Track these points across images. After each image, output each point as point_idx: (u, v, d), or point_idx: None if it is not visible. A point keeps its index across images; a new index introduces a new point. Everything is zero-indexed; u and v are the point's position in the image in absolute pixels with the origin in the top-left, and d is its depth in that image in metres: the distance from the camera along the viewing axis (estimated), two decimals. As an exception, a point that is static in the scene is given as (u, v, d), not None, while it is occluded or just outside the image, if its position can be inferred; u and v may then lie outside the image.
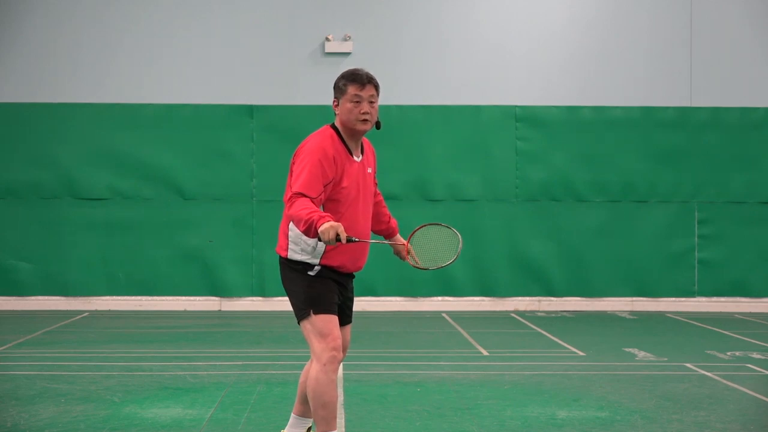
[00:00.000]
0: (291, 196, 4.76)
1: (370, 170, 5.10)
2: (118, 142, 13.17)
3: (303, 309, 4.91)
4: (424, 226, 5.12)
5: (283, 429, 5.44)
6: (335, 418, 4.85)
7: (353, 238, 4.68)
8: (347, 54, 13.42)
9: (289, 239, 4.95)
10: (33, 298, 13.09)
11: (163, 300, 13.16)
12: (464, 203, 13.33)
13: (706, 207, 13.44)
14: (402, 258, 5.43)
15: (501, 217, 13.35)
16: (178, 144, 13.20)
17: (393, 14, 13.57)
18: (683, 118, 13.49)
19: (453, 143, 13.23)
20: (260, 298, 13.21)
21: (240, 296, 13.21)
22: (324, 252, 4.88)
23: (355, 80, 4.93)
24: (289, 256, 4.95)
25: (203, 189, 13.22)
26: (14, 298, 13.07)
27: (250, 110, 13.29)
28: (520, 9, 13.61)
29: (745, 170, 13.46)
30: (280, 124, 13.28)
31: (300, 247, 4.91)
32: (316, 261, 4.90)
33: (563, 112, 13.45)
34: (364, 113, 4.91)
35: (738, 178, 13.45)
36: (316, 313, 4.86)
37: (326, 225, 4.54)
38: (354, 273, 5.10)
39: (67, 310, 12.87)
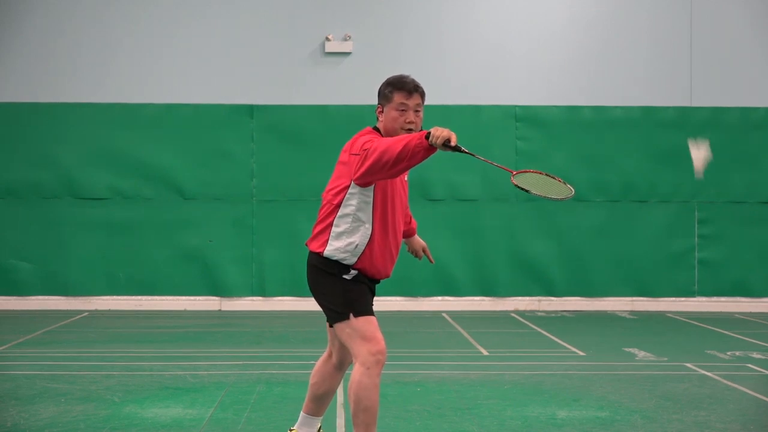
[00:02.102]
0: (365, 149, 4.65)
1: (406, 178, 5.06)
2: (118, 142, 13.17)
3: (341, 312, 4.81)
4: (540, 173, 4.89)
5: (293, 427, 5.40)
6: (375, 422, 4.77)
7: (463, 147, 4.55)
8: (347, 54, 13.42)
9: (332, 235, 4.83)
10: (33, 298, 13.09)
11: (163, 300, 13.16)
12: (464, 203, 13.33)
13: (706, 207, 13.44)
14: (417, 256, 5.45)
15: (501, 217, 13.35)
16: (178, 144, 13.20)
17: (393, 14, 13.58)
18: (683, 118, 13.49)
19: (453, 143, 13.21)
20: (260, 298, 13.21)
21: (240, 296, 13.21)
22: (362, 253, 4.81)
23: (403, 88, 4.88)
24: (326, 253, 4.83)
25: (203, 189, 13.22)
26: (14, 298, 13.07)
27: (250, 110, 13.29)
28: (520, 9, 13.61)
29: (745, 170, 13.46)
30: (280, 124, 13.28)
31: (343, 244, 4.80)
32: (353, 261, 4.81)
33: (563, 112, 13.45)
34: (409, 122, 4.88)
35: (738, 178, 13.45)
36: (357, 315, 4.78)
37: (437, 128, 4.45)
38: (380, 280, 5.03)
39: (67, 310, 12.87)
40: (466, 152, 4.63)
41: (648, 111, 13.48)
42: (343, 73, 13.38)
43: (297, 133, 13.26)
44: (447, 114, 13.30)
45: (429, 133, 4.48)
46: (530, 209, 13.35)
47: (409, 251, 5.52)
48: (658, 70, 13.61)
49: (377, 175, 4.65)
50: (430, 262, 5.49)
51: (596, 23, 13.64)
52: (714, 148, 13.44)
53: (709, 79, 13.60)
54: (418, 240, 5.49)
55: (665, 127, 13.47)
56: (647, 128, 13.45)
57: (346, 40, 13.40)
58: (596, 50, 13.62)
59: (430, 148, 4.49)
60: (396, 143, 4.52)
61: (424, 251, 5.47)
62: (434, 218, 13.21)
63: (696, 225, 13.44)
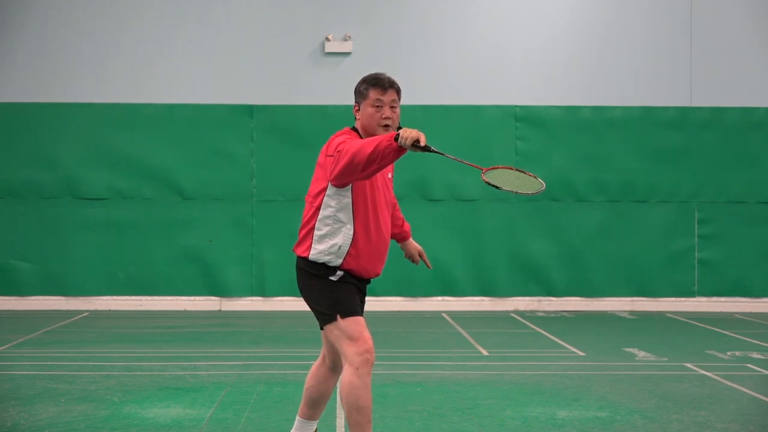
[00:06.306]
0: (338, 150, 4.66)
1: (390, 175, 5.05)
2: (118, 142, 13.17)
3: (328, 314, 4.82)
4: (510, 168, 4.90)
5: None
6: (370, 422, 4.76)
7: (432, 147, 4.52)
8: (347, 54, 13.43)
9: (314, 238, 4.84)
10: (33, 298, 13.09)
11: (163, 300, 13.16)
12: (464, 203, 13.33)
13: (706, 207, 13.44)
14: (414, 261, 5.42)
15: (501, 217, 13.35)
16: (178, 144, 13.20)
17: (393, 14, 13.58)
18: (683, 118, 13.49)
19: (453, 143, 13.21)
20: (260, 298, 13.21)
21: (240, 296, 13.21)
22: (347, 253, 4.81)
23: (377, 84, 4.89)
24: (311, 256, 4.84)
25: (203, 189, 13.22)
26: (14, 298, 13.07)
27: (250, 110, 13.30)
28: (520, 9, 13.61)
29: (745, 170, 13.46)
30: (280, 124, 13.28)
31: (326, 247, 4.80)
32: (339, 262, 4.81)
33: (563, 112, 13.45)
34: (385, 118, 4.87)
35: (738, 178, 13.45)
36: (344, 316, 4.78)
37: (406, 129, 4.44)
38: (371, 280, 5.03)
39: (67, 310, 12.88)
40: (435, 152, 4.63)
41: (648, 111, 13.48)
42: (343, 73, 13.38)
43: (297, 133, 13.26)
44: (447, 114, 13.31)
45: (398, 134, 4.47)
46: (530, 209, 13.35)
47: (406, 257, 5.44)
48: (658, 70, 13.61)
49: (351, 176, 4.65)
50: (428, 267, 5.44)
51: (596, 23, 13.64)
52: (714, 148, 13.51)
53: (709, 79, 13.60)
54: (414, 244, 5.42)
55: (665, 127, 13.47)
56: (647, 128, 13.45)
57: (346, 40, 13.40)
58: (596, 50, 13.62)
59: (400, 149, 4.48)
60: (367, 145, 4.52)
61: (420, 256, 5.40)
62: (434, 218, 13.21)
63: (696, 225, 13.44)
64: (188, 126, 13.23)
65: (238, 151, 13.25)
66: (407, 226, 5.42)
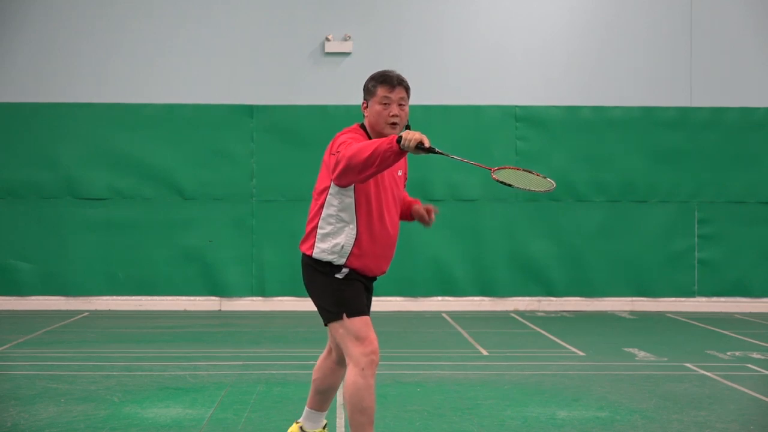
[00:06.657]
0: (338, 150, 4.61)
1: (400, 173, 5.01)
2: (118, 142, 13.17)
3: (334, 312, 4.80)
4: (518, 168, 4.84)
5: (298, 420, 5.38)
6: (372, 423, 4.75)
7: (436, 148, 4.46)
8: (347, 54, 13.42)
9: (317, 237, 4.82)
10: (33, 298, 13.09)
11: (163, 300, 13.16)
12: (464, 203, 13.33)
13: (706, 207, 13.44)
14: (427, 221, 5.24)
15: (501, 217, 13.35)
16: (178, 144, 13.20)
17: (393, 14, 13.58)
18: (683, 118, 13.49)
19: (453, 143, 13.20)
20: (260, 298, 13.21)
21: (240, 296, 13.21)
22: (350, 253, 4.79)
23: (385, 82, 4.84)
24: (314, 255, 4.83)
25: (203, 189, 13.22)
26: (14, 298, 13.07)
27: (250, 110, 13.29)
28: (520, 9, 13.61)
29: (745, 170, 13.46)
30: (280, 124, 13.28)
31: (329, 246, 4.79)
32: (342, 261, 4.79)
33: (563, 112, 13.45)
34: (393, 116, 4.82)
35: (738, 178, 13.45)
36: (350, 316, 4.76)
37: (408, 131, 4.39)
38: (376, 277, 5.00)
39: (67, 310, 12.87)
40: (440, 153, 4.58)
41: (648, 111, 13.48)
42: (343, 73, 13.38)
43: (297, 133, 13.27)
44: (447, 114, 13.31)
45: (400, 137, 4.43)
46: (530, 209, 13.35)
47: (415, 216, 5.25)
48: (658, 70, 13.61)
49: (350, 178, 4.62)
50: (436, 212, 5.27)
51: (596, 23, 13.64)
52: (714, 148, 13.51)
53: (709, 79, 13.60)
54: (419, 207, 5.23)
55: (665, 127, 13.47)
56: (647, 128, 13.45)
57: (346, 40, 13.40)
58: (596, 50, 13.62)
59: (401, 152, 4.43)
60: (365, 148, 4.47)
61: (429, 212, 5.22)
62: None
63: (696, 225, 13.44)
64: (188, 126, 13.24)
65: (238, 151, 13.25)
66: (412, 201, 5.24)
